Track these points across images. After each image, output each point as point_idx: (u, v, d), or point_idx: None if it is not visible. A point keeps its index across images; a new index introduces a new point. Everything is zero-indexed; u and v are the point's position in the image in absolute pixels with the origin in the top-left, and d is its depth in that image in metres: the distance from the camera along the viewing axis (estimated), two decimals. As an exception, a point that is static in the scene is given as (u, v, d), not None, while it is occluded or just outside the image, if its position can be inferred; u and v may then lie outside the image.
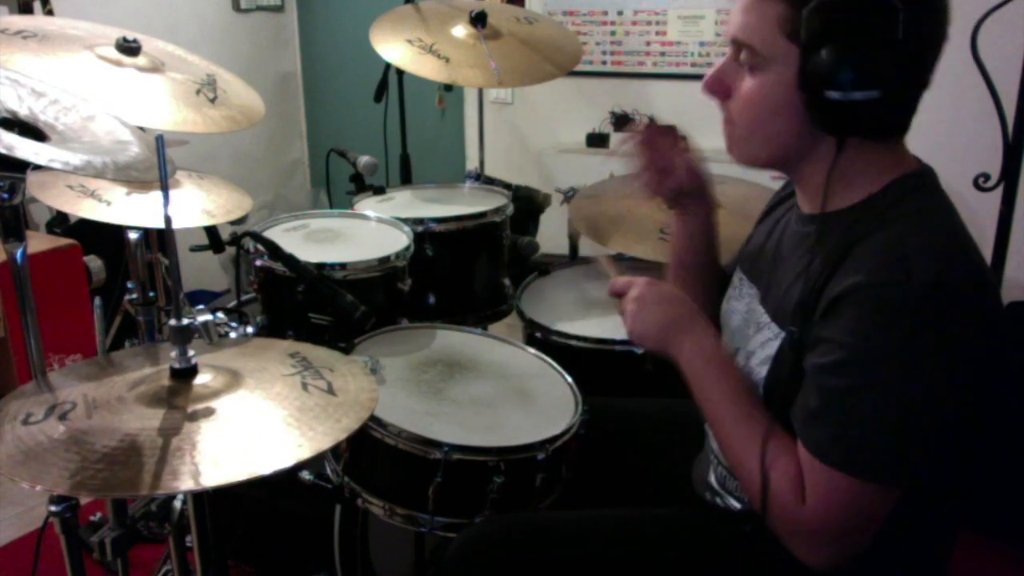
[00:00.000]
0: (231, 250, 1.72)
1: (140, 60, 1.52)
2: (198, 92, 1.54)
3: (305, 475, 1.53)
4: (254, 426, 0.95)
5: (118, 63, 1.49)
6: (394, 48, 2.04)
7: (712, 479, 1.21)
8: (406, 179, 2.50)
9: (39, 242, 2.41)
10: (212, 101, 1.54)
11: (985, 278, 0.95)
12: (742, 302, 1.19)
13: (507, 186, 2.23)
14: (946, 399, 0.92)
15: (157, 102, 1.46)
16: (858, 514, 0.95)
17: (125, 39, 1.51)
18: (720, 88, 1.06)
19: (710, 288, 1.33)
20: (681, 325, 1.11)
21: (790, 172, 1.10)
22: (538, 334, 1.79)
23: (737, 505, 1.15)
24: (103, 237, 2.20)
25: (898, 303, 0.90)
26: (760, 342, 1.09)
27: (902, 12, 0.89)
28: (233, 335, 1.22)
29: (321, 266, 1.65)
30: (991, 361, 0.94)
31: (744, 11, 1.01)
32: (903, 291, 0.90)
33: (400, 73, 2.32)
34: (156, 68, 1.54)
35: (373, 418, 1.28)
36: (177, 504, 1.16)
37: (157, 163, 0.93)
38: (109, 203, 1.52)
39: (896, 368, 0.91)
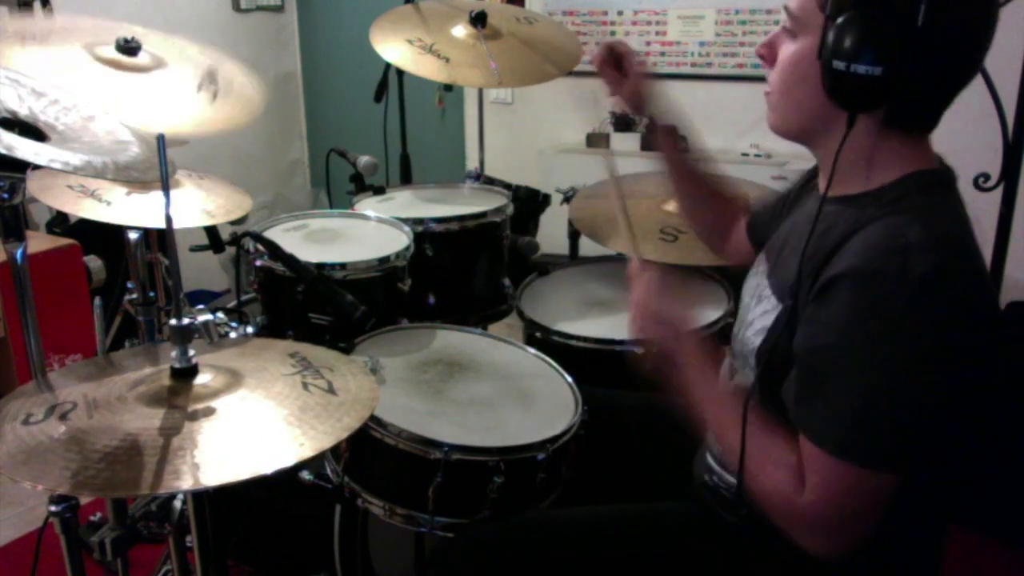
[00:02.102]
0: (231, 250, 1.72)
1: (141, 59, 1.52)
2: (199, 89, 1.54)
3: (305, 475, 1.53)
4: (254, 426, 0.95)
5: (117, 64, 1.49)
6: (394, 48, 2.04)
7: (709, 458, 1.21)
8: (406, 179, 2.50)
9: (39, 242, 2.41)
10: (214, 98, 1.54)
11: (981, 276, 0.96)
12: (755, 279, 1.19)
13: (507, 186, 2.23)
14: (933, 389, 0.92)
15: (157, 104, 1.46)
16: (854, 500, 0.95)
17: (125, 40, 1.50)
18: (768, 53, 1.09)
19: (718, 211, 1.48)
20: (673, 345, 1.15)
21: (814, 148, 1.11)
22: (538, 334, 1.79)
23: (732, 480, 1.16)
24: (103, 237, 2.20)
25: (891, 293, 0.90)
26: (759, 313, 1.10)
27: (925, 2, 0.89)
28: (233, 335, 1.22)
29: (321, 266, 1.65)
30: (983, 356, 0.95)
31: None
32: (897, 281, 0.90)
33: (400, 73, 2.32)
34: (158, 66, 1.54)
35: (373, 418, 1.28)
36: (177, 504, 1.16)
37: (157, 163, 0.93)
38: (109, 203, 1.52)
39: (883, 355, 0.91)
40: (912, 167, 1.01)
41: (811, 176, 1.27)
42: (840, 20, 0.93)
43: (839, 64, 0.93)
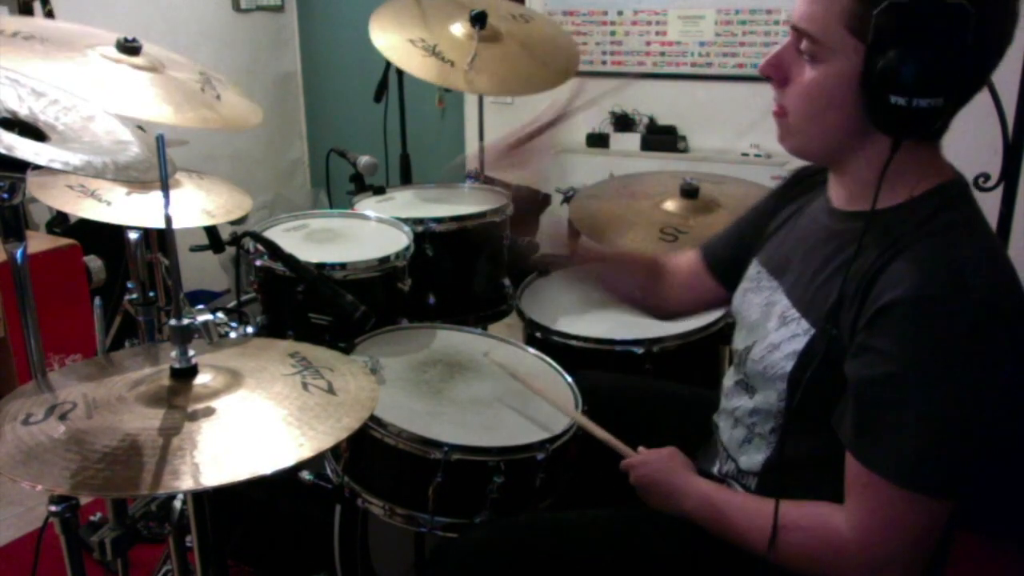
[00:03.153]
0: (231, 250, 1.72)
1: (140, 60, 1.52)
2: (203, 89, 1.54)
3: (305, 475, 1.53)
4: (254, 426, 0.95)
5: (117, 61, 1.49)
6: (394, 44, 2.03)
7: (715, 471, 1.21)
8: (406, 179, 2.50)
9: (39, 242, 2.41)
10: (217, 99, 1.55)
11: (1020, 285, 0.95)
12: (761, 295, 1.18)
13: (507, 186, 2.23)
14: (994, 413, 0.92)
15: (159, 100, 1.46)
16: (916, 529, 0.94)
17: (126, 39, 1.50)
18: (778, 74, 1.04)
19: (641, 275, 1.44)
20: (677, 497, 1.17)
21: (834, 166, 1.09)
22: (538, 334, 1.79)
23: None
24: (103, 237, 2.20)
25: (951, 318, 0.89)
26: (786, 336, 1.08)
27: (973, 18, 0.87)
28: (233, 335, 1.22)
29: (321, 266, 1.65)
30: None
31: (810, 0, 0.99)
32: (957, 307, 0.89)
33: (400, 73, 2.32)
34: (156, 68, 1.54)
35: (373, 418, 1.28)
36: (177, 504, 1.16)
37: (157, 163, 0.93)
38: (109, 203, 1.52)
39: (948, 382, 0.90)
40: (936, 179, 1.00)
41: (797, 182, 1.26)
42: (894, 54, 0.90)
43: (898, 100, 0.90)
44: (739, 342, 1.21)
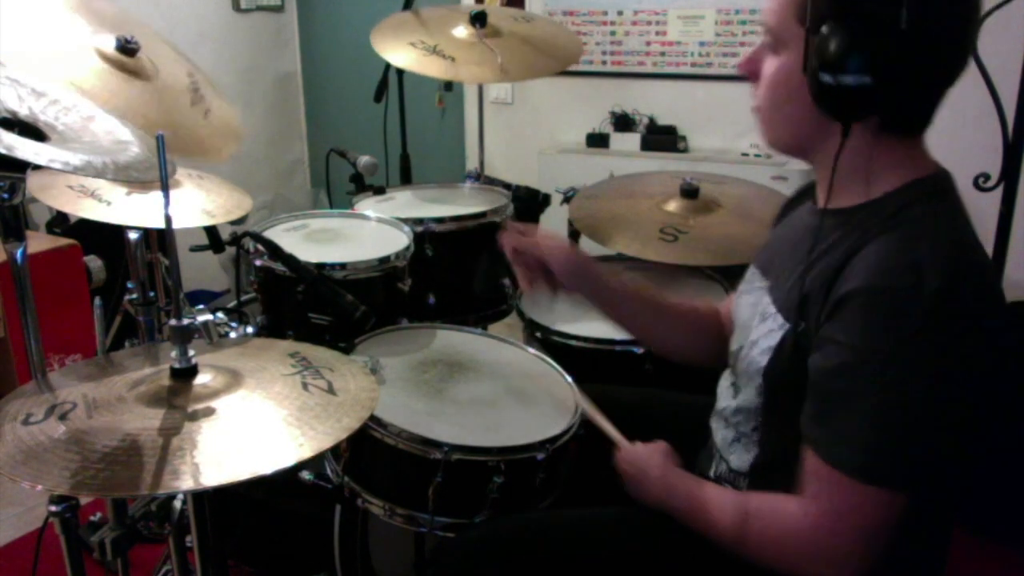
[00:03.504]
0: (231, 250, 1.72)
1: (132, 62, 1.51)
2: (191, 103, 1.54)
3: (305, 475, 1.53)
4: (254, 426, 0.95)
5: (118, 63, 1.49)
6: (397, 53, 2.04)
7: (711, 474, 1.22)
8: (406, 179, 2.50)
9: (39, 242, 2.41)
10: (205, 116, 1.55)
11: (992, 288, 0.95)
12: (752, 295, 1.19)
13: (507, 186, 2.23)
14: (950, 406, 0.92)
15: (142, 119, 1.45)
16: (867, 520, 0.94)
17: (126, 39, 1.50)
18: (751, 69, 1.08)
19: (666, 320, 1.40)
20: (656, 488, 1.18)
21: (811, 160, 1.10)
22: (538, 334, 1.79)
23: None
24: (103, 237, 2.19)
25: (906, 309, 0.89)
26: (764, 332, 1.09)
27: (906, 2, 0.88)
28: (233, 335, 1.22)
29: (321, 266, 1.65)
30: (993, 370, 0.94)
31: None
32: (911, 297, 0.89)
33: (400, 73, 2.32)
34: (148, 75, 1.53)
35: (373, 418, 1.28)
36: (177, 504, 1.16)
37: (157, 163, 0.93)
38: (109, 203, 1.52)
39: (901, 373, 0.90)
40: (911, 175, 1.00)
41: (802, 192, 1.26)
42: (821, 32, 0.92)
43: (826, 77, 0.93)
44: (733, 343, 1.21)
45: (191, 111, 1.54)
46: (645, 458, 1.23)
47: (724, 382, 1.24)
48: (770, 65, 1.04)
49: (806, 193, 1.22)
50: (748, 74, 1.08)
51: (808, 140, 1.05)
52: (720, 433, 1.21)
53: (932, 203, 0.98)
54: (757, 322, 1.12)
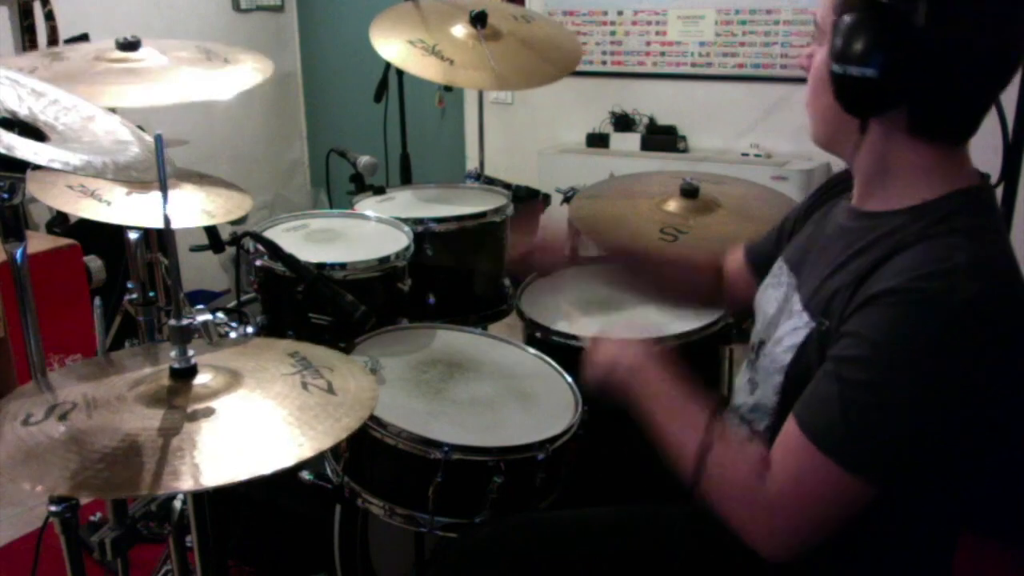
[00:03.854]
0: (231, 250, 1.72)
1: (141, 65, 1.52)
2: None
3: (305, 475, 1.53)
4: (254, 426, 0.95)
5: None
6: (394, 47, 2.04)
7: None
8: (406, 179, 2.50)
9: (39, 242, 2.41)
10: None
11: (1022, 307, 0.94)
12: (780, 290, 1.18)
13: (507, 186, 2.23)
14: (959, 414, 0.92)
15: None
16: (823, 499, 0.94)
17: (125, 38, 1.51)
18: (805, 64, 1.08)
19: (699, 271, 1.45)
20: (633, 384, 1.16)
21: (842, 156, 1.09)
22: (538, 334, 1.79)
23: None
24: (103, 237, 2.20)
25: (932, 314, 0.89)
26: (788, 329, 1.08)
27: (924, 2, 0.88)
28: (233, 335, 1.22)
29: (321, 266, 1.65)
30: (1013, 389, 0.93)
31: None
32: (941, 304, 0.88)
33: (400, 73, 2.32)
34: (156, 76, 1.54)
35: (373, 418, 1.28)
36: (177, 504, 1.16)
37: (156, 163, 0.93)
38: (109, 203, 1.52)
39: (917, 375, 0.90)
40: (956, 184, 0.99)
41: (834, 184, 1.25)
42: (840, 22, 0.93)
43: (837, 68, 0.93)
44: (755, 335, 1.20)
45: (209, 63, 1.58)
46: (620, 346, 1.21)
47: (741, 379, 1.23)
48: (816, 58, 1.04)
49: (840, 187, 1.21)
50: (806, 68, 1.07)
51: (836, 135, 1.04)
52: (733, 430, 1.20)
53: (974, 215, 0.97)
54: (784, 319, 1.11)
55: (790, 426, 0.97)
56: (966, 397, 0.91)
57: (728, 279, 1.43)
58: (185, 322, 1.01)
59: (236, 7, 4.01)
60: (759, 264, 1.33)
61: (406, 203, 2.15)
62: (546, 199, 2.29)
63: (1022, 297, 0.94)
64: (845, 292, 0.98)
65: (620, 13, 3.49)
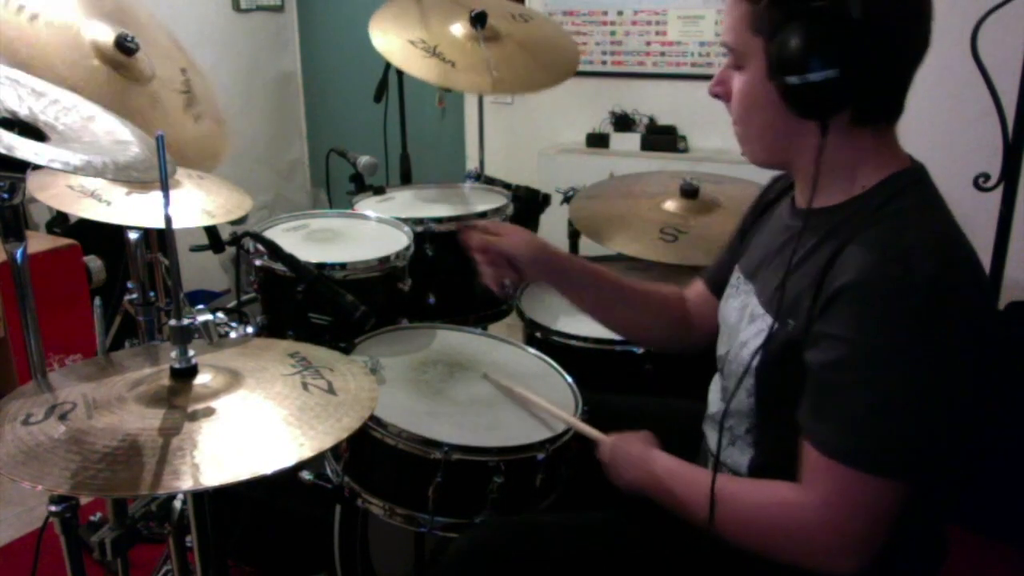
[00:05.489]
0: (231, 250, 1.72)
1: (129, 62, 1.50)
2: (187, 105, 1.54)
3: (305, 475, 1.53)
4: (254, 426, 0.95)
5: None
6: (395, 47, 2.03)
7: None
8: (406, 179, 2.50)
9: (39, 242, 2.41)
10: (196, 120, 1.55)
11: (980, 275, 0.97)
12: (739, 299, 1.20)
13: (507, 186, 2.23)
14: (946, 393, 0.93)
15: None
16: (867, 510, 0.95)
17: (124, 38, 1.50)
18: (722, 91, 1.09)
19: (629, 302, 1.42)
20: (635, 468, 1.19)
21: (790, 168, 1.11)
22: (538, 334, 1.79)
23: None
24: (103, 237, 2.19)
25: (898, 300, 0.91)
26: (752, 332, 1.10)
27: None
28: (233, 335, 1.22)
29: (321, 266, 1.65)
30: (986, 356, 0.95)
31: (726, 14, 1.04)
32: (903, 288, 0.90)
33: (400, 73, 2.32)
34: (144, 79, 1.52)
35: (373, 418, 1.28)
36: (177, 504, 1.16)
37: (157, 163, 0.93)
38: (109, 203, 1.52)
39: (897, 364, 0.91)
40: (890, 168, 1.01)
41: (776, 188, 1.27)
42: (779, 36, 0.94)
43: (793, 79, 0.94)
44: (721, 347, 1.22)
45: (183, 116, 1.54)
46: (624, 443, 1.23)
47: (714, 387, 1.25)
48: (737, 82, 1.05)
49: (780, 188, 1.23)
50: (722, 96, 1.09)
51: (784, 148, 1.06)
52: (713, 438, 1.21)
53: (914, 195, 1.00)
54: (745, 324, 1.13)
55: (809, 451, 0.98)
56: (953, 368, 0.93)
57: (693, 311, 1.44)
58: (185, 322, 1.01)
59: (236, 7, 4.01)
60: (720, 287, 1.34)
61: (406, 203, 2.15)
62: (546, 199, 2.29)
63: (976, 265, 0.97)
64: (808, 292, 1.00)
65: (620, 13, 3.49)
